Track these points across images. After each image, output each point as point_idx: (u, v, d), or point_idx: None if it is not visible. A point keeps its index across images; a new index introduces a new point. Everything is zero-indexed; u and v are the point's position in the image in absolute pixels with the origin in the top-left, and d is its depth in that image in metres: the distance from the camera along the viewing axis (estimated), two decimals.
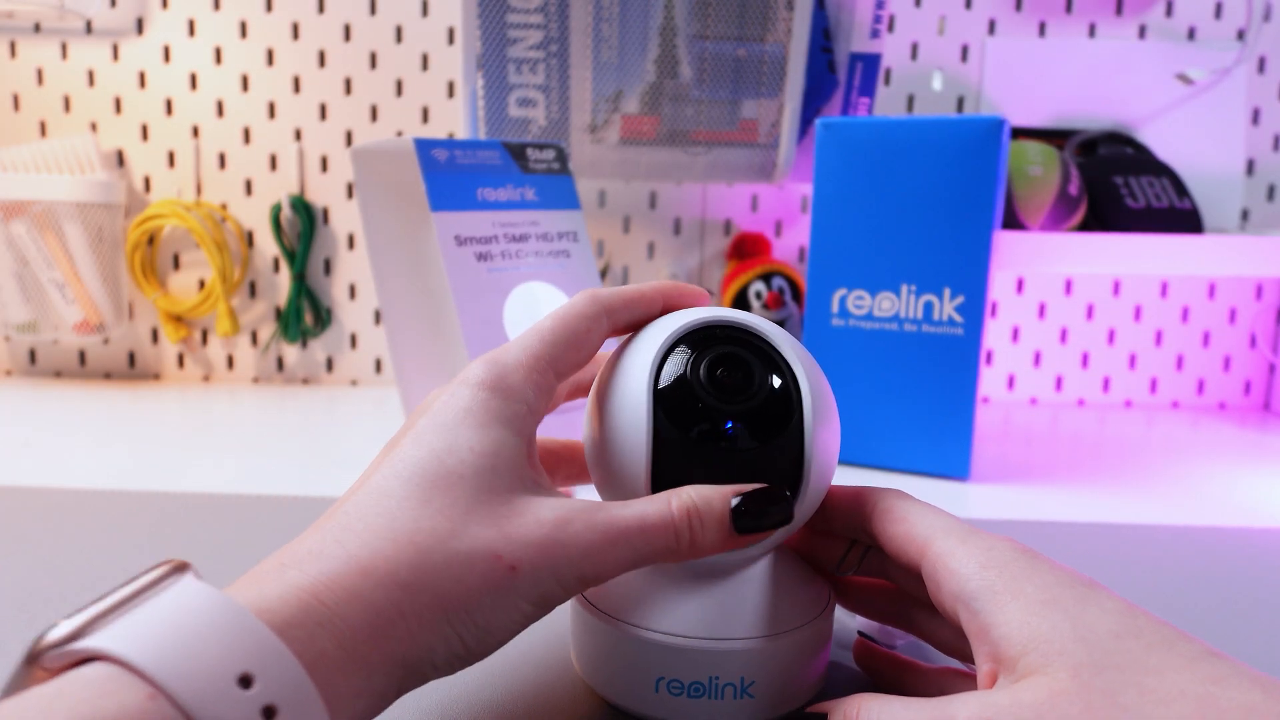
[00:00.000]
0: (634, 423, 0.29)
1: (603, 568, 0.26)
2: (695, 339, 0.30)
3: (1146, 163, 0.82)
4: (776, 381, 0.29)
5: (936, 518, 0.29)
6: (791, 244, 0.90)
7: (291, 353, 0.92)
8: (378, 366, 0.92)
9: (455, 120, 0.88)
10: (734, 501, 0.27)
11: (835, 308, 0.63)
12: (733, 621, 0.30)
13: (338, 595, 0.23)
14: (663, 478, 0.29)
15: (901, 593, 0.33)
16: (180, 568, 0.23)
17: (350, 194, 0.89)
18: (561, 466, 0.35)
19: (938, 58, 0.87)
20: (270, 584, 0.23)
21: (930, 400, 0.61)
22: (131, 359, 0.92)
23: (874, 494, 0.31)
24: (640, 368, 0.29)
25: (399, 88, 0.88)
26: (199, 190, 0.89)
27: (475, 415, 0.27)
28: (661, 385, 0.29)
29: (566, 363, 0.30)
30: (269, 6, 0.87)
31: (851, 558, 0.33)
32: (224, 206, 0.89)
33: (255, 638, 0.21)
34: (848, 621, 0.38)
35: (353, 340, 0.91)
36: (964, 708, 0.24)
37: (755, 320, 0.31)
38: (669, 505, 0.27)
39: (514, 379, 0.28)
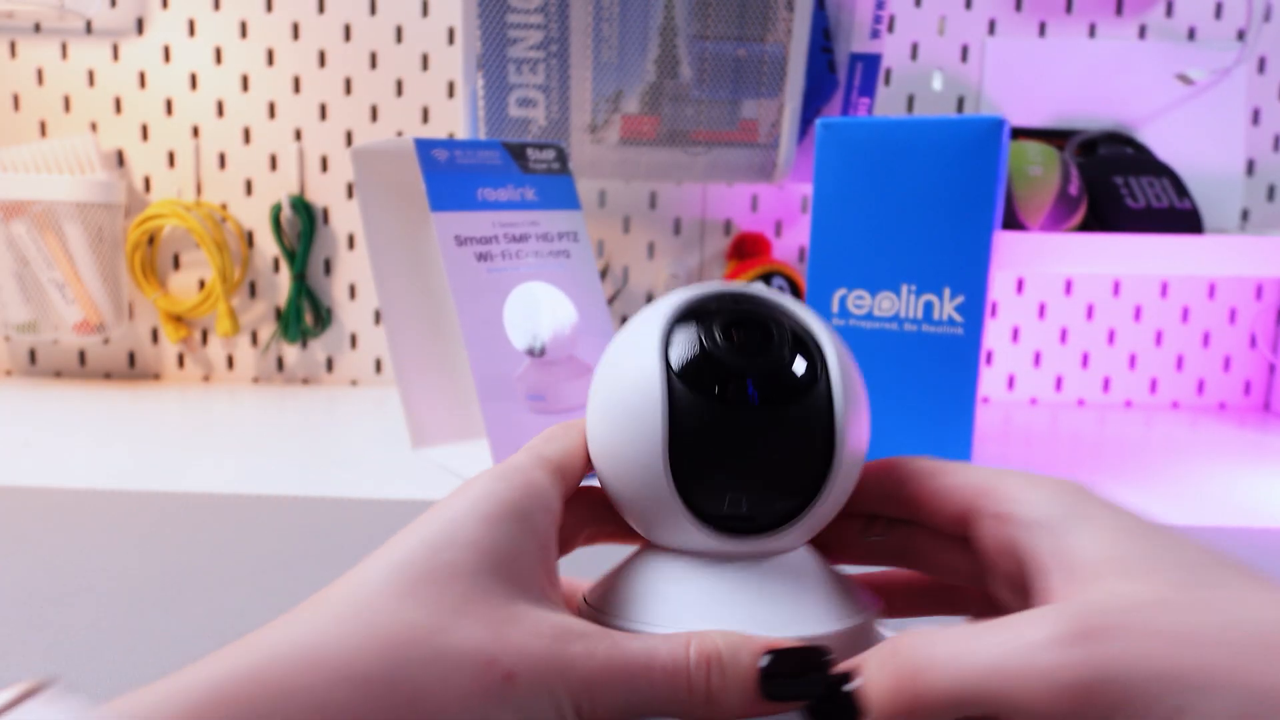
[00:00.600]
0: (645, 391, 0.25)
1: (598, 704, 0.22)
2: (703, 309, 0.27)
3: (1146, 163, 0.82)
4: (798, 340, 0.26)
5: (988, 467, 0.27)
6: (791, 244, 0.90)
7: (291, 353, 0.92)
8: (378, 366, 0.92)
9: (455, 120, 0.88)
10: (764, 660, 0.23)
11: (835, 307, 0.63)
12: (764, 624, 0.25)
13: (266, 690, 0.19)
14: (682, 451, 0.25)
15: (925, 582, 0.30)
16: (37, 688, 0.20)
17: (350, 194, 0.89)
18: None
19: (938, 58, 0.87)
20: (172, 682, 0.19)
21: (930, 400, 0.61)
22: (131, 359, 0.92)
23: (906, 459, 0.29)
24: (649, 335, 0.26)
25: (399, 88, 0.88)
26: (199, 190, 0.89)
27: (485, 508, 0.24)
28: (673, 349, 0.26)
29: (574, 471, 0.27)
30: (269, 6, 0.87)
31: (876, 527, 0.30)
32: (224, 206, 0.89)
33: None
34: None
35: (353, 340, 0.91)
36: (1044, 623, 0.20)
37: (767, 291, 0.29)
38: (685, 647, 0.23)
39: (535, 475, 0.25)
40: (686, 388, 0.25)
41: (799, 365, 0.26)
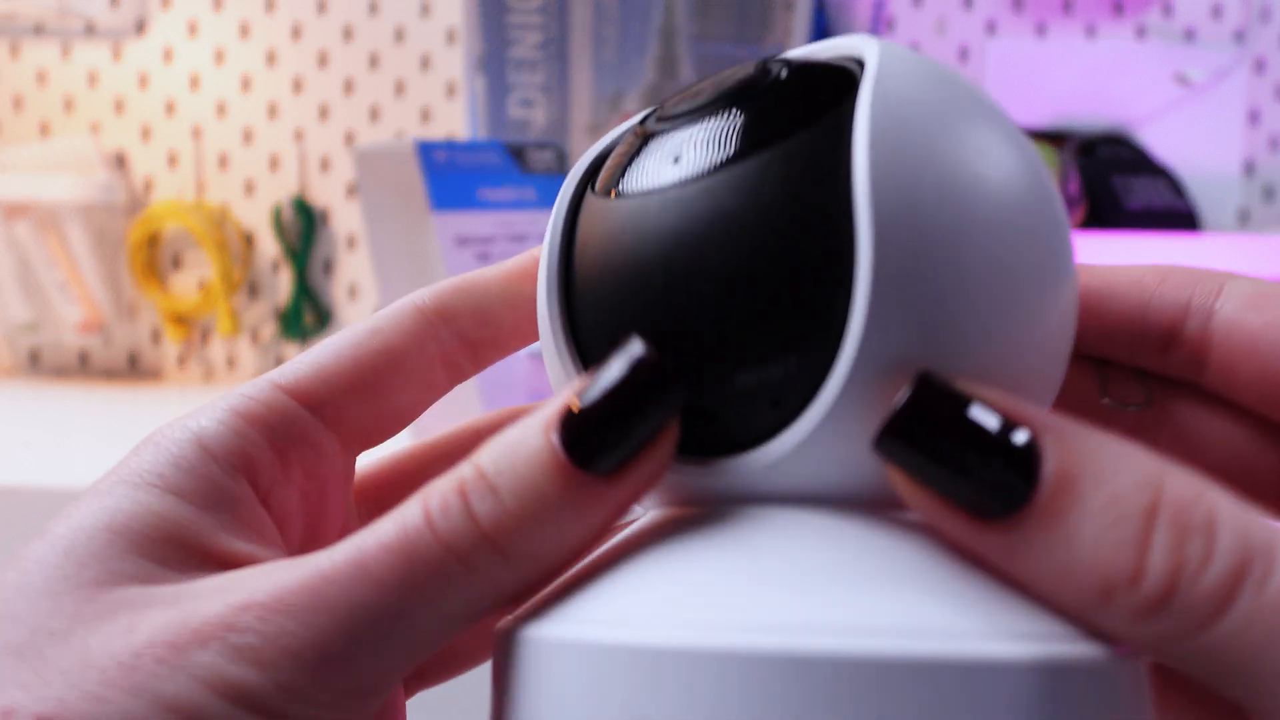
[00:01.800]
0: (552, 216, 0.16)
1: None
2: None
3: (1145, 163, 0.82)
4: (810, 72, 0.15)
5: None
6: None
7: (292, 352, 0.92)
8: None
9: (455, 121, 0.88)
10: (559, 432, 0.13)
11: None
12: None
13: None
14: (581, 290, 0.15)
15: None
16: None
17: (351, 195, 0.89)
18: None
19: (937, 58, 0.88)
20: None
21: None
22: (132, 359, 0.92)
23: (1196, 273, 0.16)
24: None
25: (399, 88, 0.88)
26: (200, 191, 0.89)
27: (110, 476, 0.16)
28: (595, 166, 0.16)
29: (334, 379, 0.17)
30: (270, 7, 0.87)
31: (1132, 389, 0.17)
32: (225, 207, 0.89)
33: None
34: None
35: None
36: None
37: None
38: (420, 501, 0.14)
39: (210, 416, 0.17)
40: (595, 191, 0.15)
41: (784, 102, 0.14)
